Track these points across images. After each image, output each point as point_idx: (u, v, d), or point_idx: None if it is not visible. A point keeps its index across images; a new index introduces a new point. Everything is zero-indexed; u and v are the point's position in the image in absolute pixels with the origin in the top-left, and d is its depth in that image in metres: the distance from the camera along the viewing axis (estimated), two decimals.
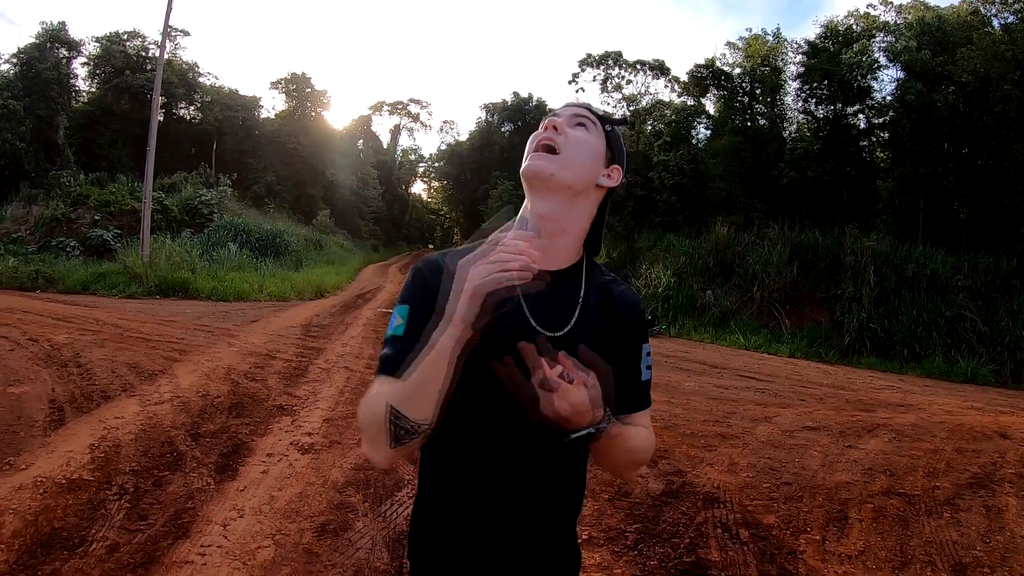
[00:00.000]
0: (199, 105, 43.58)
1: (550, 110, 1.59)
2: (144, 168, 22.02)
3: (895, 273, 18.81)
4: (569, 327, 1.44)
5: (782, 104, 26.68)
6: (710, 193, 26.20)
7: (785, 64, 26.24)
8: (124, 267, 18.68)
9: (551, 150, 1.47)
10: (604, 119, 1.56)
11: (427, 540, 1.53)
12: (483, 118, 57.54)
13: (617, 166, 1.57)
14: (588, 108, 1.56)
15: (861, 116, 24.96)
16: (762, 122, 26.84)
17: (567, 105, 1.58)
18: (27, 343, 8.91)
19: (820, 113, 25.42)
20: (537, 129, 1.54)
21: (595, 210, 1.57)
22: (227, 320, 12.80)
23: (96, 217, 24.35)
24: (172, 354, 8.89)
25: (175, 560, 3.69)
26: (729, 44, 27.81)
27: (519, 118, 52.37)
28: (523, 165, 1.48)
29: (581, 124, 1.52)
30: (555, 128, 1.49)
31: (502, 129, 54.61)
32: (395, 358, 1.38)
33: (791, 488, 5.37)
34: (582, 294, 1.50)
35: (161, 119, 30.38)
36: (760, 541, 4.37)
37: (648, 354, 1.55)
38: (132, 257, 19.60)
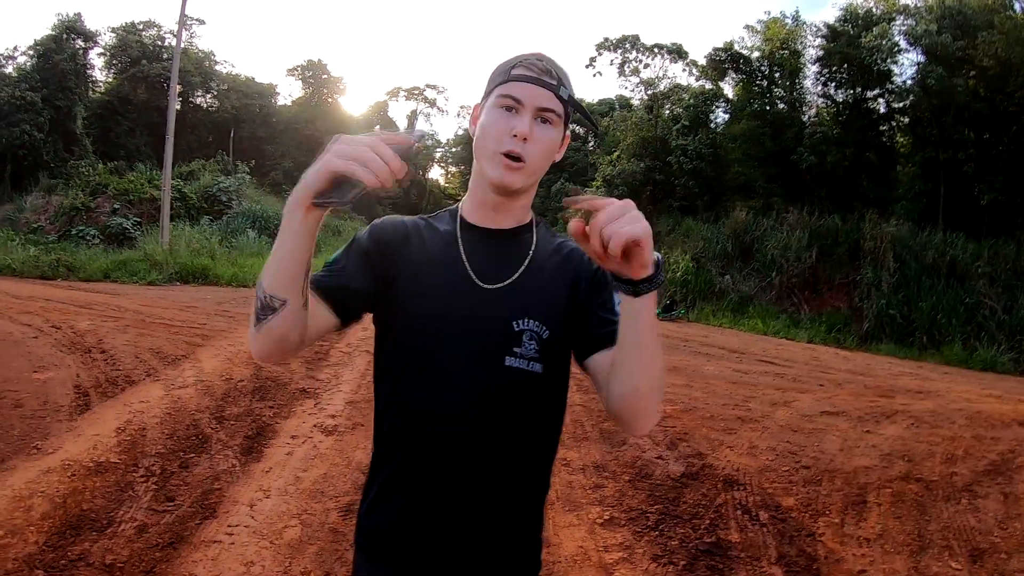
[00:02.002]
0: (216, 93, 43.87)
1: (516, 68, 1.41)
2: (162, 156, 22.20)
3: (915, 259, 18.66)
4: (511, 279, 1.43)
5: (801, 88, 26.38)
6: (729, 178, 26.05)
7: (804, 47, 25.91)
8: (144, 254, 18.85)
9: (519, 159, 1.38)
10: (567, 103, 1.42)
11: (374, 514, 1.49)
12: None
13: (567, 134, 1.50)
14: (555, 94, 1.39)
15: (881, 100, 24.64)
16: (781, 106, 26.57)
17: (529, 79, 1.39)
18: (51, 330, 9.00)
19: (840, 97, 25.15)
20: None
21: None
22: (247, 305, 12.75)
23: (115, 206, 24.55)
24: (194, 339, 8.97)
25: (203, 540, 3.76)
26: (747, 27, 27.49)
27: None
28: (488, 169, 1.41)
29: (546, 120, 1.39)
30: (524, 139, 1.37)
31: None
32: (325, 276, 1.44)
33: (810, 472, 5.38)
34: (532, 251, 1.48)
35: (178, 107, 30.54)
36: (779, 523, 4.39)
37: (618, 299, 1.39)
38: (152, 244, 19.78)
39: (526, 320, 1.39)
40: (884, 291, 17.94)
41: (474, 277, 1.42)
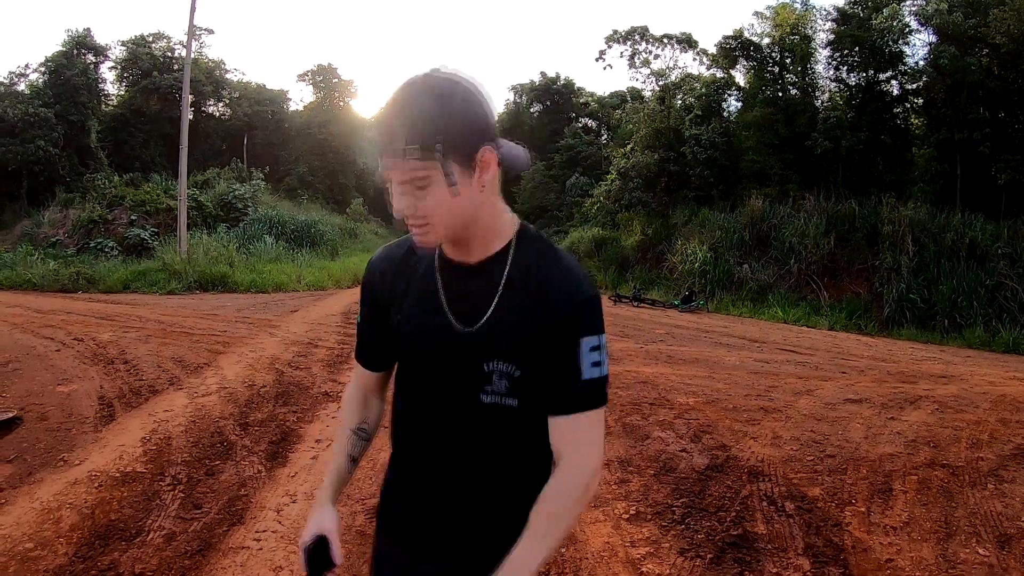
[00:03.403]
0: (227, 101, 44.20)
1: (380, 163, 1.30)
2: (177, 166, 22.34)
3: (933, 242, 18.48)
4: (481, 322, 1.39)
5: (813, 73, 26.16)
6: (743, 166, 25.88)
7: (815, 32, 25.68)
8: (163, 264, 18.98)
9: (424, 222, 1.31)
10: (432, 151, 1.24)
11: (386, 497, 1.66)
12: (511, 99, 57.28)
13: (485, 147, 1.30)
14: (406, 153, 1.25)
15: (894, 82, 24.40)
16: (793, 92, 26.38)
17: (388, 160, 1.28)
18: (73, 343, 9.08)
19: (852, 81, 24.93)
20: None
21: (495, 197, 1.40)
22: (267, 311, 12.97)
23: (132, 217, 24.75)
24: (216, 347, 9.04)
25: (231, 546, 3.78)
26: (757, 14, 27.34)
27: (547, 98, 52.07)
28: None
29: (421, 187, 1.27)
30: (408, 216, 1.31)
31: (531, 110, 54.36)
32: (360, 346, 1.69)
33: (835, 460, 5.36)
34: (502, 283, 1.40)
35: (191, 117, 30.73)
36: (805, 513, 4.38)
37: (595, 348, 1.38)
38: (170, 254, 19.92)
39: (495, 362, 1.38)
40: (903, 275, 17.80)
41: (452, 319, 1.42)
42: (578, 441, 1.40)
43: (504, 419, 1.42)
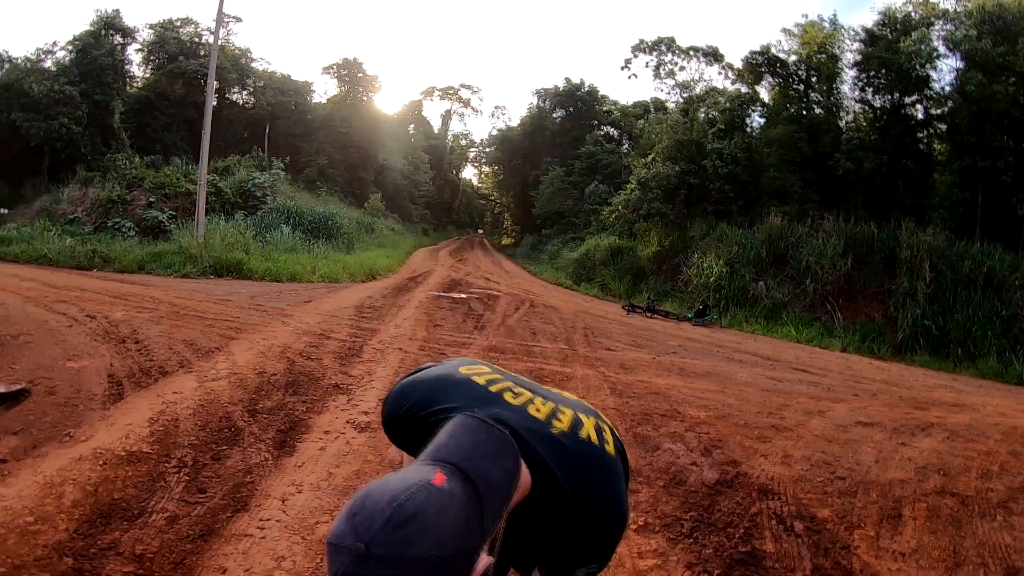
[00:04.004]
0: (252, 90, 44.39)
1: None
2: (198, 151, 22.43)
3: (951, 269, 18.34)
4: None
5: (838, 93, 26.03)
6: (764, 182, 25.78)
7: (842, 52, 25.55)
8: (179, 247, 19.01)
9: None
10: None
11: None
12: (535, 104, 57.63)
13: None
14: None
15: (919, 106, 24.25)
16: (818, 111, 26.29)
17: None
18: (85, 320, 9.10)
19: (877, 103, 24.79)
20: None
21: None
22: (281, 300, 12.96)
23: (151, 199, 24.84)
24: (228, 332, 9.04)
25: (234, 533, 3.76)
26: (785, 31, 27.18)
27: (571, 104, 52.22)
28: None
29: None
30: None
31: (553, 115, 54.55)
32: None
33: (845, 483, 5.30)
34: None
35: (215, 104, 30.83)
36: (814, 534, 4.33)
37: None
38: (187, 238, 19.94)
39: None
40: (919, 301, 17.67)
41: None
42: None
43: None
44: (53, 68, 31.18)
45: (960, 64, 22.02)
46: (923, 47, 22.17)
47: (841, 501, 4.91)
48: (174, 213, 24.06)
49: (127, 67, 37.72)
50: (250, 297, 13.05)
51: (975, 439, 7.01)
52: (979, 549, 4.34)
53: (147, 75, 39.82)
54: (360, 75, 48.72)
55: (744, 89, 28.45)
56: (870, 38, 24.15)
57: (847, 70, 25.50)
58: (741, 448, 5.99)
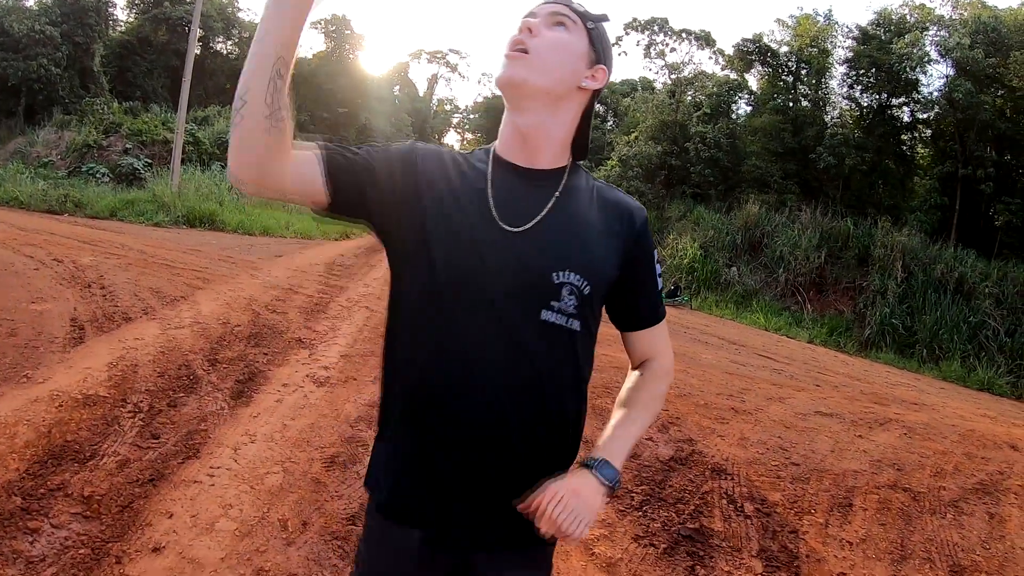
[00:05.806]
0: (236, 40, 43.63)
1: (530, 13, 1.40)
2: (178, 100, 22.06)
3: (923, 271, 18.62)
4: (532, 223, 1.32)
5: (826, 88, 26.25)
6: (745, 170, 25.94)
7: (834, 47, 25.73)
8: (153, 195, 18.75)
9: (525, 52, 1.33)
10: (585, 16, 1.39)
11: (387, 475, 1.42)
12: None
13: (602, 66, 1.42)
14: (568, 5, 1.38)
15: (905, 109, 24.51)
16: (804, 104, 26.45)
17: (545, 3, 1.39)
18: (52, 263, 8.96)
19: (864, 101, 25.02)
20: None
21: (580, 114, 1.44)
22: (252, 253, 12.84)
23: (127, 146, 24.46)
24: (195, 282, 8.93)
25: (184, 479, 3.74)
26: (779, 21, 27.42)
27: None
28: (497, 75, 1.36)
29: (560, 23, 1.36)
30: (529, 30, 1.34)
31: None
32: (341, 154, 1.37)
33: (799, 469, 5.35)
34: (558, 191, 1.37)
35: (198, 52, 30.33)
36: (764, 517, 4.36)
37: (658, 261, 1.48)
38: (161, 186, 19.68)
39: (567, 273, 1.30)
40: (889, 300, 17.93)
41: (494, 214, 1.32)
42: (663, 345, 1.57)
43: (563, 348, 1.33)
44: (35, 7, 30.49)
45: (950, 71, 22.30)
46: (915, 51, 22.34)
47: (793, 486, 4.95)
48: (150, 161, 23.73)
49: (110, 10, 36.98)
50: (220, 249, 12.92)
51: (932, 438, 7.08)
52: (927, 544, 4.39)
53: (131, 19, 39.04)
54: (347, 32, 48.09)
55: (733, 75, 28.59)
56: (863, 36, 24.30)
57: (837, 66, 25.71)
58: (699, 427, 6.02)
